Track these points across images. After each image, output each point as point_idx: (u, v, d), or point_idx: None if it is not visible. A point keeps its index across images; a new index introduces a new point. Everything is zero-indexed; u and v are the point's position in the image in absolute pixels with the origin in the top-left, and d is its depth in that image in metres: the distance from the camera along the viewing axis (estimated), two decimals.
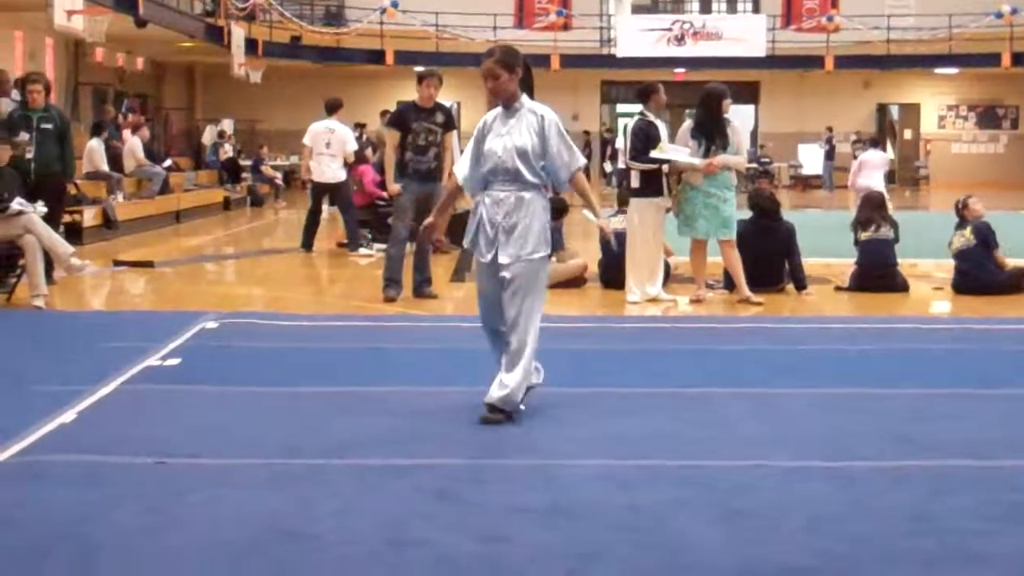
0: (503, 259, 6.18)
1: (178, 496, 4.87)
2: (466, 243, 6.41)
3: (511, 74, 6.23)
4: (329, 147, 15.46)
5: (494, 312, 6.30)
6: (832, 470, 5.35)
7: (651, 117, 10.83)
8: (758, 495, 4.96)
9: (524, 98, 6.31)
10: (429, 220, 6.72)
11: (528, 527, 4.51)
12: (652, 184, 10.75)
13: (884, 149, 19.53)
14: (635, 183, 10.86)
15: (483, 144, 6.30)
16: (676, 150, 10.76)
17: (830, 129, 34.85)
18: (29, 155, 11.92)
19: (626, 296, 10.92)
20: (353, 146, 15.83)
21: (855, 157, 24.52)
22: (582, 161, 6.36)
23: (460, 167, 6.47)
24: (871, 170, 17.55)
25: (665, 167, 10.72)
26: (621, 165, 17.76)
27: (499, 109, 6.35)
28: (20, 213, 10.49)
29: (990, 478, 5.28)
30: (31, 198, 11.65)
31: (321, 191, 15.93)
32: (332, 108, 15.75)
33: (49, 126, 12.11)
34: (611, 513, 4.69)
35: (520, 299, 6.17)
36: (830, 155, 34.75)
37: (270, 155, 30.35)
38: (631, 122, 11.10)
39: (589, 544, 4.34)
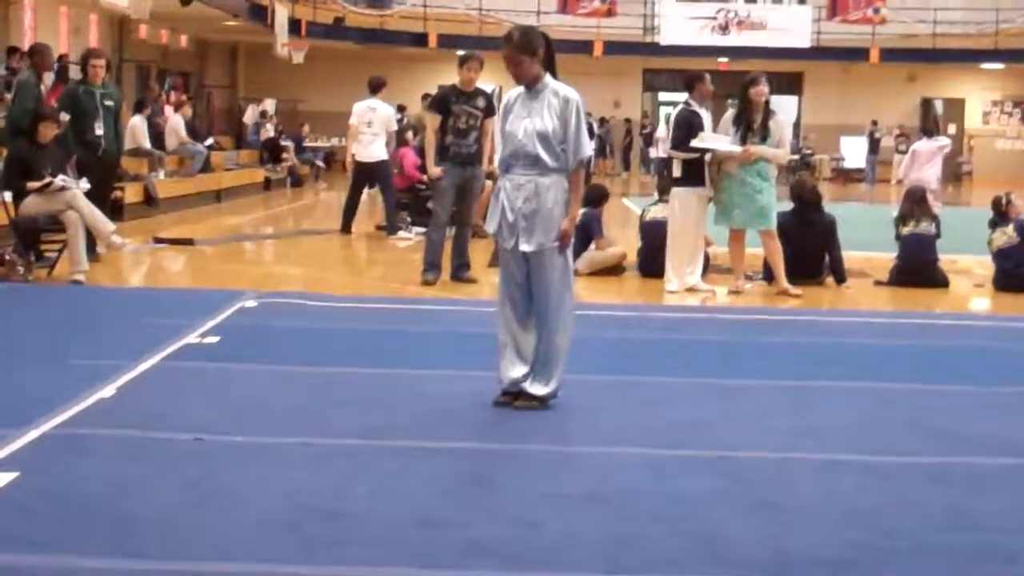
0: (525, 247, 6.10)
1: (215, 472, 4.91)
2: (489, 228, 6.35)
3: (533, 57, 6.11)
4: (371, 126, 15.37)
5: (520, 297, 6.20)
6: (868, 464, 5.33)
7: (695, 106, 10.79)
8: (793, 487, 4.95)
9: (547, 78, 6.18)
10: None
11: (562, 512, 4.52)
12: (695, 174, 10.72)
13: (937, 135, 18.97)
14: (677, 172, 10.83)
15: (505, 124, 6.24)
16: (717, 139, 10.73)
17: (874, 123, 34.63)
18: (99, 131, 11.97)
19: (664, 285, 10.90)
20: (394, 126, 15.77)
21: (899, 151, 24.33)
22: (588, 152, 6.19)
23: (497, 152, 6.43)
24: (923, 161, 17.33)
25: (708, 157, 10.69)
26: (662, 154, 17.74)
27: (521, 89, 6.23)
28: (63, 189, 10.58)
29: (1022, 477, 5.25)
30: (105, 180, 11.85)
31: (362, 172, 15.79)
32: (375, 87, 15.67)
33: (111, 103, 12.20)
34: (646, 501, 4.69)
35: (548, 288, 6.12)
36: (874, 148, 34.55)
37: (311, 136, 30.46)
38: (675, 111, 11.08)
39: (623, 531, 4.34)
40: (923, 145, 17.73)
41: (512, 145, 6.15)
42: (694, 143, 10.56)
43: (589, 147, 6.24)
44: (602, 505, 4.63)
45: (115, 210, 15.04)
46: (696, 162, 10.68)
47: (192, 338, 7.79)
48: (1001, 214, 11.74)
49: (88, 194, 10.96)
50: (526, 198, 6.10)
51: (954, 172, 36.75)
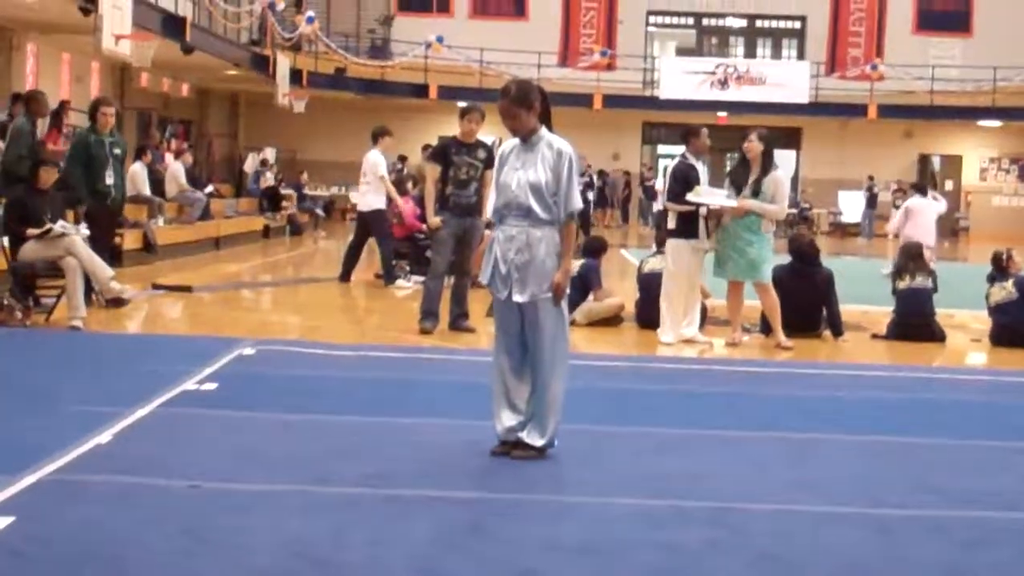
0: (518, 298, 6.11)
1: (211, 520, 4.89)
2: (482, 279, 6.38)
3: (529, 111, 6.17)
4: (365, 176, 15.47)
5: (514, 347, 6.21)
6: (865, 517, 5.32)
7: (691, 160, 10.87)
8: (790, 540, 4.94)
9: (543, 131, 6.22)
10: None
11: (559, 563, 4.51)
12: (688, 226, 10.77)
13: (934, 195, 18.98)
14: (671, 224, 10.91)
15: (500, 176, 6.28)
16: (712, 193, 10.78)
17: (871, 178, 34.78)
18: (109, 180, 12.04)
19: (659, 336, 10.91)
20: (380, 171, 15.47)
21: (895, 207, 24.40)
22: (578, 205, 6.18)
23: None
24: (919, 218, 17.44)
25: (703, 210, 10.74)
26: (660, 206, 17.81)
27: (517, 141, 6.28)
28: (63, 235, 10.61)
29: (1019, 531, 5.25)
30: (110, 228, 11.89)
31: (359, 221, 15.92)
32: (374, 136, 15.62)
33: (119, 151, 12.28)
34: (643, 552, 4.68)
35: (543, 339, 6.12)
36: (871, 203, 34.68)
37: (310, 184, 30.56)
38: (671, 164, 11.15)
39: None
40: (917, 203, 17.87)
41: (505, 196, 6.18)
42: (689, 197, 10.62)
43: (579, 201, 6.22)
44: (597, 556, 4.62)
45: (114, 256, 15.07)
46: (691, 215, 10.73)
47: (190, 385, 7.79)
48: (1001, 269, 11.78)
49: (92, 242, 11.02)
50: (518, 249, 6.12)
51: (951, 228, 36.86)
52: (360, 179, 15.57)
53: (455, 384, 8.41)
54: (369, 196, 15.53)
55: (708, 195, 10.73)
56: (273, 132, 33.19)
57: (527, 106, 6.17)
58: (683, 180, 10.75)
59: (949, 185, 37.74)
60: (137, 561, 4.35)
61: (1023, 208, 36.86)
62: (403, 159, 26.49)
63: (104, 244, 12.03)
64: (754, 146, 10.83)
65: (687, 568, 4.51)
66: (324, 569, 4.35)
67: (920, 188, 19.23)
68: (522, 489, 5.61)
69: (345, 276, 15.64)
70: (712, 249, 11.02)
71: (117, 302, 11.62)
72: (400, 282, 15.26)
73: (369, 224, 15.67)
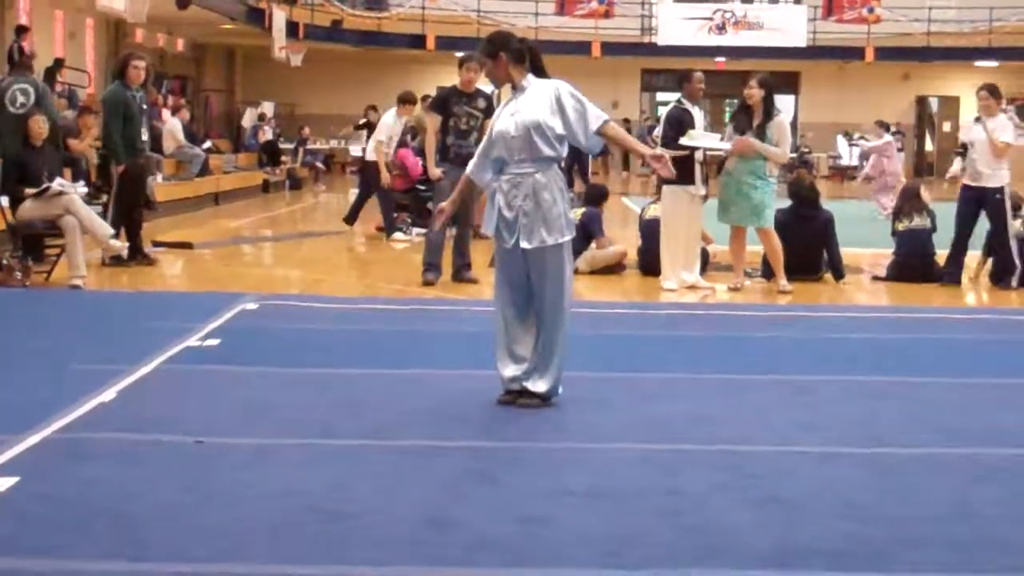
0: (526, 244, 6.09)
1: (216, 475, 4.92)
2: (486, 230, 6.36)
3: (494, 60, 6.18)
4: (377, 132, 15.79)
5: (519, 296, 6.21)
6: (867, 457, 5.36)
7: (687, 105, 10.82)
8: (794, 480, 4.97)
9: (530, 77, 6.20)
10: (441, 205, 6.70)
11: (568, 509, 4.54)
12: (684, 172, 10.69)
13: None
14: None
15: (494, 127, 6.25)
16: (706, 136, 10.74)
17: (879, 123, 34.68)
18: (144, 137, 12.00)
19: (661, 283, 10.91)
20: (381, 136, 15.47)
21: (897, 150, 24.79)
22: (603, 116, 6.12)
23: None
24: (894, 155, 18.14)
25: (699, 155, 10.70)
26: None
27: (510, 92, 6.29)
28: (61, 194, 10.59)
29: (1018, 467, 5.29)
30: (144, 183, 11.91)
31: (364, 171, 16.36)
32: (399, 100, 15.67)
33: (146, 106, 12.20)
34: (648, 496, 4.71)
35: (548, 286, 6.12)
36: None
37: (311, 138, 30.49)
38: (666, 109, 11.11)
39: (626, 526, 4.36)
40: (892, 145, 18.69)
41: (503, 143, 6.15)
42: (683, 140, 10.58)
43: (600, 113, 6.11)
44: (605, 501, 4.65)
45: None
46: (686, 160, 10.65)
47: (192, 341, 7.80)
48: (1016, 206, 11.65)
49: (127, 201, 11.32)
50: (525, 195, 6.10)
51: (949, 168, 36.76)
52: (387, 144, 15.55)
53: (459, 335, 8.42)
54: (368, 146, 15.92)
55: (702, 138, 10.70)
56: (271, 86, 33.05)
57: (491, 56, 6.20)
58: (677, 125, 10.71)
59: (947, 126, 37.62)
60: (143, 517, 4.38)
61: (1020, 147, 36.69)
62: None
63: (138, 203, 12.05)
64: (755, 92, 10.77)
65: (693, 511, 4.54)
66: (331, 521, 4.37)
67: (884, 125, 20.39)
68: (528, 437, 5.64)
69: (350, 219, 16.26)
70: (708, 195, 11.01)
71: (147, 259, 11.80)
72: (398, 235, 15.23)
73: (369, 176, 15.80)
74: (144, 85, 12.17)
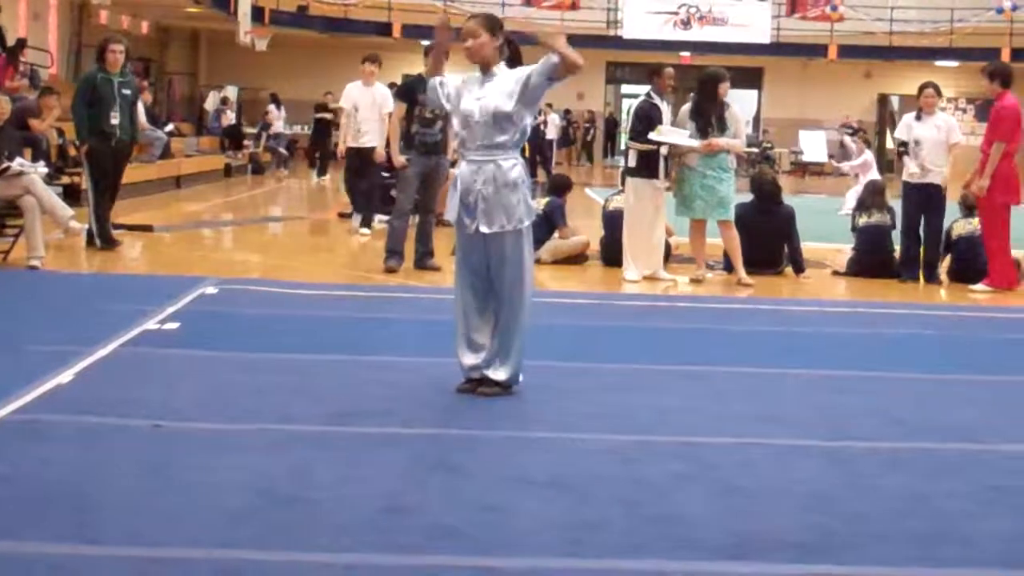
0: (485, 228, 6.07)
1: (174, 459, 4.87)
2: (448, 216, 6.33)
3: (491, 37, 6.13)
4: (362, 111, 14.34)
5: (478, 282, 6.19)
6: (828, 450, 5.38)
7: (655, 99, 10.85)
8: (755, 472, 4.98)
9: (503, 64, 6.18)
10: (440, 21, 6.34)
11: (528, 498, 4.52)
12: (649, 165, 10.78)
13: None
14: (632, 163, 10.93)
15: (458, 103, 6.21)
16: (675, 132, 10.77)
17: (848, 118, 34.90)
18: (114, 121, 11.70)
19: (623, 274, 10.93)
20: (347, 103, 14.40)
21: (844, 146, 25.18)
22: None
23: None
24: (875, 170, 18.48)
25: (664, 150, 10.73)
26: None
27: (478, 72, 6.24)
28: (20, 174, 10.47)
29: (980, 461, 5.32)
30: (116, 169, 11.77)
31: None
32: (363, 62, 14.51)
33: (128, 91, 11.93)
34: (609, 486, 4.70)
35: (507, 272, 6.11)
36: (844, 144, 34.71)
37: (274, 122, 30.31)
38: (635, 103, 11.13)
39: (587, 516, 4.35)
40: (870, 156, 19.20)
41: (468, 127, 6.13)
42: (652, 136, 10.61)
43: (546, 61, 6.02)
44: (566, 490, 4.64)
45: (73, 195, 14.92)
46: (652, 154, 10.72)
47: (151, 324, 7.73)
48: (968, 207, 11.75)
49: (101, 185, 11.21)
50: (485, 180, 6.08)
51: None
52: (354, 115, 14.15)
53: (420, 322, 8.40)
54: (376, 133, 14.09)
55: (671, 134, 10.72)
56: (235, 70, 32.85)
57: (490, 32, 6.14)
58: (646, 119, 10.75)
59: None
60: (101, 501, 4.33)
61: (966, 145, 36.96)
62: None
63: (113, 186, 11.91)
64: (726, 86, 10.89)
65: (655, 501, 4.54)
66: (290, 506, 4.34)
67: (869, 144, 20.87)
68: (488, 425, 5.62)
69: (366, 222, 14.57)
70: (669, 188, 11.04)
71: (111, 243, 11.67)
72: (365, 229, 14.65)
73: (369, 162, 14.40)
74: (129, 70, 12.10)
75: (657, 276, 11.02)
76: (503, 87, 6.10)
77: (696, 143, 10.72)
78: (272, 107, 29.54)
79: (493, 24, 6.21)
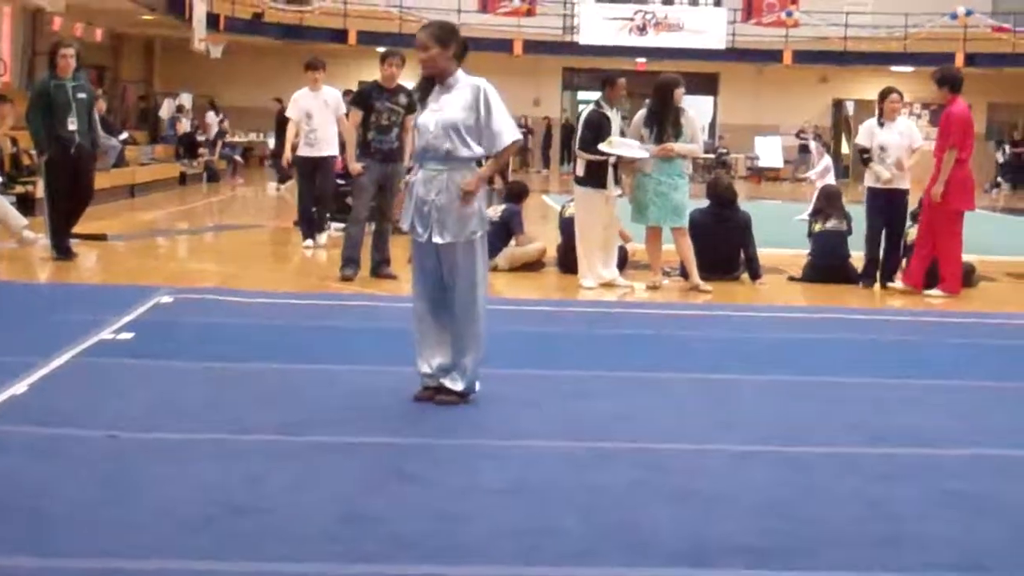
0: (438, 239, 6.08)
1: (130, 470, 4.84)
2: (403, 225, 6.35)
3: (443, 48, 6.11)
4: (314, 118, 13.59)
5: (433, 291, 6.19)
6: (784, 455, 5.41)
7: (605, 108, 10.85)
8: (710, 478, 5.01)
9: (460, 73, 6.18)
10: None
11: (484, 505, 4.53)
12: (597, 175, 10.78)
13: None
14: (580, 172, 10.93)
15: (418, 118, 6.24)
16: (625, 144, 10.77)
17: (808, 123, 35.14)
18: (72, 127, 11.52)
19: (580, 281, 10.96)
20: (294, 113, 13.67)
21: (806, 151, 25.30)
22: (509, 138, 6.12)
23: None
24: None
25: (612, 159, 10.74)
26: None
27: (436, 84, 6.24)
28: None
29: (933, 466, 5.37)
30: (81, 177, 11.62)
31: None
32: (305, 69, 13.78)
33: (83, 96, 11.73)
34: (565, 493, 4.71)
35: (460, 281, 6.11)
36: (805, 149, 34.90)
37: (230, 130, 30.22)
38: (584, 111, 11.13)
39: (543, 523, 4.35)
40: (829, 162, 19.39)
41: (424, 139, 6.15)
42: (603, 147, 10.61)
43: (510, 132, 6.15)
44: (522, 498, 4.64)
45: (26, 204, 14.76)
46: (600, 164, 10.72)
47: (106, 334, 7.68)
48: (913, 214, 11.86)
49: (70, 196, 11.05)
50: (439, 190, 6.10)
51: (864, 171, 37.24)
52: (307, 122, 13.45)
53: (377, 330, 8.38)
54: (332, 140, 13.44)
55: (621, 146, 10.73)
56: (189, 78, 32.67)
57: (442, 44, 6.11)
58: (595, 129, 10.74)
59: None
60: (56, 512, 4.30)
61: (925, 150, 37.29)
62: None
63: (81, 197, 11.79)
64: (681, 92, 10.93)
65: (612, 508, 4.56)
66: (245, 516, 4.33)
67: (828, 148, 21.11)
68: (445, 433, 5.62)
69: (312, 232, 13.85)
70: (622, 195, 11.08)
71: (67, 254, 11.55)
72: (310, 241, 13.81)
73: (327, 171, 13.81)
74: (83, 75, 11.98)
75: (615, 283, 11.05)
76: (460, 100, 6.11)
77: (647, 154, 10.74)
78: (210, 113, 29.36)
79: (444, 34, 6.17)
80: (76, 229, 12.40)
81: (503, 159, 6.35)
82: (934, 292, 11.06)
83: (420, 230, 6.16)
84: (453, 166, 6.10)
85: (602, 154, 10.64)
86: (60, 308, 8.82)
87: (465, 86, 6.14)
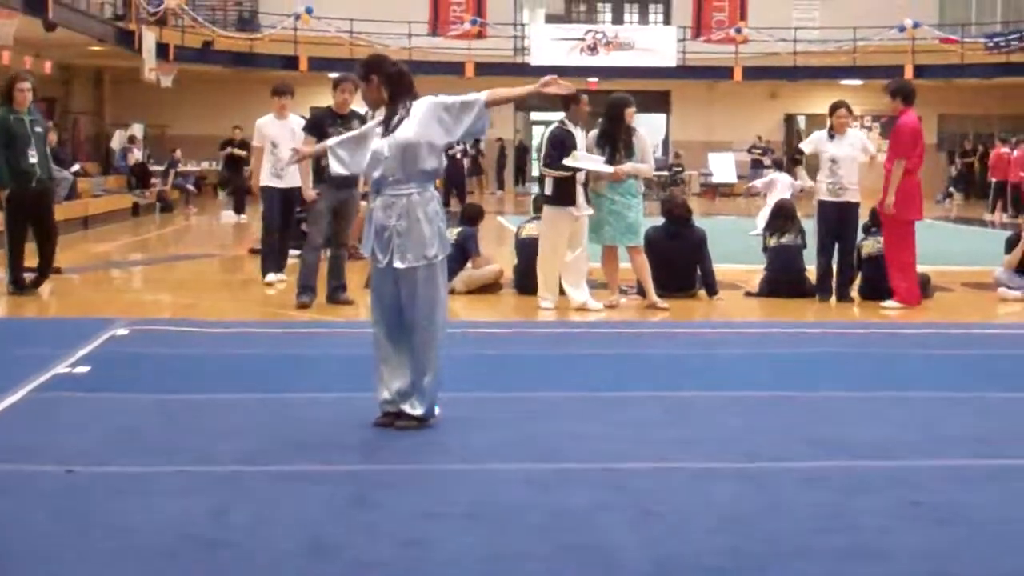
0: (399, 264, 6.10)
1: (89, 504, 4.80)
2: (364, 251, 6.37)
3: (367, 83, 6.25)
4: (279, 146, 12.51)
5: (392, 317, 6.19)
6: (744, 471, 5.43)
7: (569, 126, 10.84)
8: (672, 496, 5.02)
9: (408, 101, 6.22)
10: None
11: (447, 531, 4.52)
12: (565, 193, 10.74)
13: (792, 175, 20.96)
14: (548, 190, 10.87)
15: (367, 143, 6.29)
16: (589, 159, 10.79)
17: (759, 138, 35.37)
18: (32, 160, 11.40)
19: (539, 303, 10.91)
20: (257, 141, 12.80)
21: (759, 166, 25.47)
22: (480, 95, 6.23)
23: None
24: (779, 187, 18.60)
25: (581, 176, 10.74)
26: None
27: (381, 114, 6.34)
28: None
29: (894, 478, 5.39)
30: (41, 211, 11.50)
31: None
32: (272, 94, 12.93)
33: (40, 129, 11.67)
34: (530, 516, 4.71)
35: (419, 305, 6.11)
36: (757, 164, 35.10)
37: (182, 160, 30.07)
38: (548, 129, 11.12)
39: (506, 546, 4.35)
40: (780, 176, 19.32)
41: (379, 165, 6.17)
42: (567, 161, 10.62)
43: (476, 97, 6.22)
44: (486, 521, 4.64)
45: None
46: (567, 181, 10.70)
47: (61, 368, 7.61)
48: (876, 224, 11.94)
49: (36, 230, 10.98)
50: (399, 215, 6.12)
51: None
52: (272, 151, 12.43)
53: (334, 357, 8.35)
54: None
55: (586, 160, 10.75)
56: (140, 108, 32.51)
57: (365, 79, 6.26)
58: (560, 146, 10.73)
59: None
60: (15, 548, 4.26)
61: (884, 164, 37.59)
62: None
63: (44, 231, 11.70)
64: (632, 111, 10.97)
65: (574, 529, 4.55)
66: (207, 548, 4.30)
67: (780, 165, 21.04)
68: (406, 459, 5.61)
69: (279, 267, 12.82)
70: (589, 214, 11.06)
71: (24, 288, 11.48)
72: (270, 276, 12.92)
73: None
74: (36, 109, 11.89)
75: (587, 307, 10.89)
76: (410, 121, 6.14)
77: (610, 169, 10.76)
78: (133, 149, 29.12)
79: (366, 70, 6.28)
80: (30, 263, 12.27)
81: (502, 98, 6.42)
82: (890, 304, 11.14)
83: (380, 256, 6.16)
84: (411, 187, 6.12)
85: (567, 169, 10.62)
86: (14, 343, 8.73)
87: (413, 108, 6.19)
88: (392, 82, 6.24)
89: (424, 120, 6.14)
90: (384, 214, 6.14)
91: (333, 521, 4.62)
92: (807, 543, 4.43)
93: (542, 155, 10.94)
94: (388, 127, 6.20)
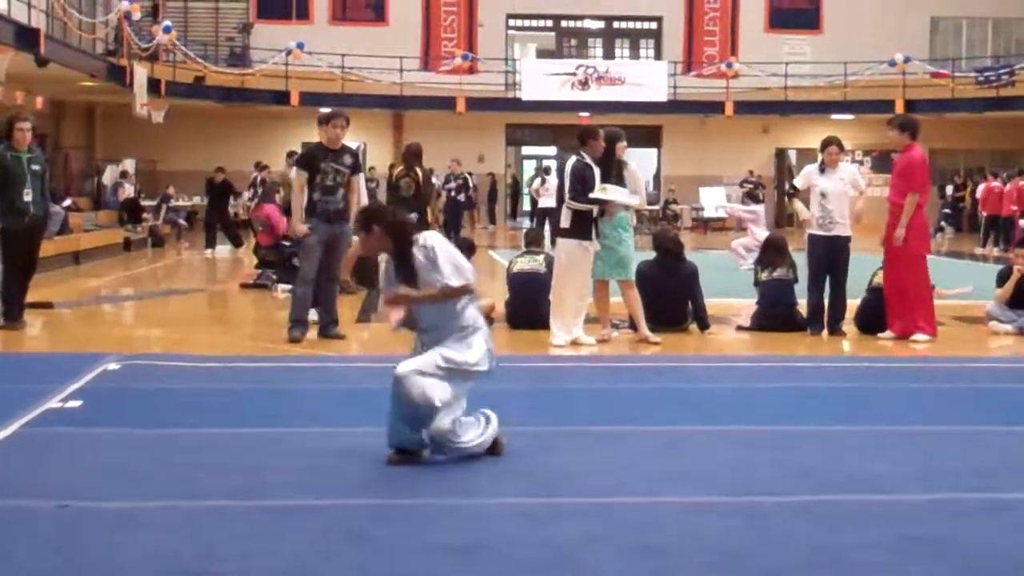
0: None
1: (81, 540, 4.80)
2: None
3: (367, 233, 6.29)
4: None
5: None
6: (736, 505, 5.43)
7: (587, 160, 10.82)
8: (666, 531, 5.01)
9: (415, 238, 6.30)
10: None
11: (440, 566, 4.51)
12: (582, 226, 10.69)
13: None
14: (565, 223, 10.78)
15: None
16: (617, 191, 10.78)
17: (751, 172, 35.47)
18: (27, 198, 11.49)
19: (551, 340, 10.79)
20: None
21: (746, 201, 25.89)
22: (455, 280, 6.25)
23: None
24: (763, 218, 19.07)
25: (595, 211, 10.71)
26: (550, 203, 17.72)
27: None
28: None
29: (884, 512, 5.40)
30: (31, 247, 11.60)
31: None
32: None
33: (37, 168, 11.74)
34: (523, 550, 4.70)
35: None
36: (753, 197, 35.17)
37: (175, 195, 30.08)
38: (569, 162, 10.99)
39: None
40: (759, 207, 19.80)
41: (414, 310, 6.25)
42: (596, 194, 10.58)
43: (453, 278, 6.23)
44: (477, 556, 4.63)
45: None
46: (585, 214, 10.68)
47: (54, 403, 7.60)
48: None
49: (15, 263, 10.89)
50: (435, 341, 6.21)
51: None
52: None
53: (326, 392, 8.34)
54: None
55: (614, 192, 10.74)
56: (132, 143, 32.55)
57: (366, 229, 6.29)
58: (581, 179, 10.71)
59: None
60: None
61: (875, 198, 37.58)
62: (263, 168, 26.37)
63: (29, 264, 11.78)
64: (623, 146, 11.02)
65: (567, 563, 4.55)
66: None
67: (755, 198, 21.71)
68: (398, 494, 5.60)
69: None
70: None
71: (17, 322, 11.55)
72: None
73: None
74: (35, 147, 11.96)
75: (579, 341, 10.88)
76: (423, 268, 6.20)
77: (637, 200, 10.83)
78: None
79: (365, 221, 6.31)
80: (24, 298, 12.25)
81: (439, 295, 6.28)
82: (920, 337, 11.12)
83: (418, 347, 6.30)
84: (449, 326, 6.21)
85: (594, 202, 10.61)
86: (6, 378, 8.72)
87: (419, 256, 6.22)
88: (391, 231, 6.27)
89: (422, 266, 6.21)
90: (424, 339, 6.29)
91: (325, 557, 4.61)
92: None
93: (567, 189, 10.81)
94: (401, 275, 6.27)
